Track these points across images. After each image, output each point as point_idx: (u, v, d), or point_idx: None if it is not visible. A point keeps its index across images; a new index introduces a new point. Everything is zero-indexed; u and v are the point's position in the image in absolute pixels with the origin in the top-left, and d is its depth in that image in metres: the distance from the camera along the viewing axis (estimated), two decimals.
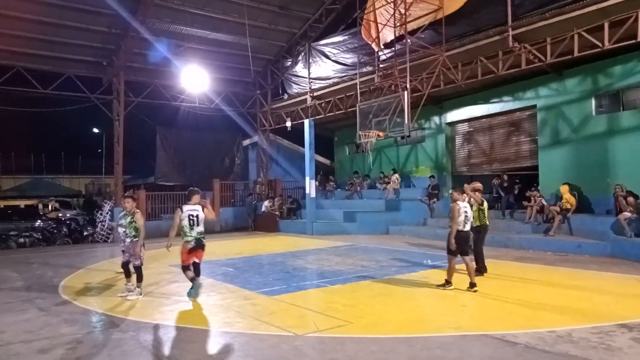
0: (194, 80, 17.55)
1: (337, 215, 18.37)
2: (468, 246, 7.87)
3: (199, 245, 7.54)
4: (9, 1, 14.69)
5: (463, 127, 17.64)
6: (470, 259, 7.94)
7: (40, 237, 17.92)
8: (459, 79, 14.27)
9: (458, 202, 7.68)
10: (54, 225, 19.17)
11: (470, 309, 6.73)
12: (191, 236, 7.46)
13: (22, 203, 25.95)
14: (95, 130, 37.54)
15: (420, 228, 16.40)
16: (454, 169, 17.87)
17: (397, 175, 18.88)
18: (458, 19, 14.10)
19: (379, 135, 14.57)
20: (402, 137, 14.47)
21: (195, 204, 7.59)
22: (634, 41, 10.86)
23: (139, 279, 7.82)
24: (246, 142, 24.33)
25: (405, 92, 13.62)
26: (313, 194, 18.29)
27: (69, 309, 7.19)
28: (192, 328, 6.09)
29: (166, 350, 5.21)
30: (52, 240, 17.94)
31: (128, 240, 7.80)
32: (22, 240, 17.36)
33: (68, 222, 20.59)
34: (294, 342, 5.32)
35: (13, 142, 35.62)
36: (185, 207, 7.55)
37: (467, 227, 7.77)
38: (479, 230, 9.17)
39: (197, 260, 7.66)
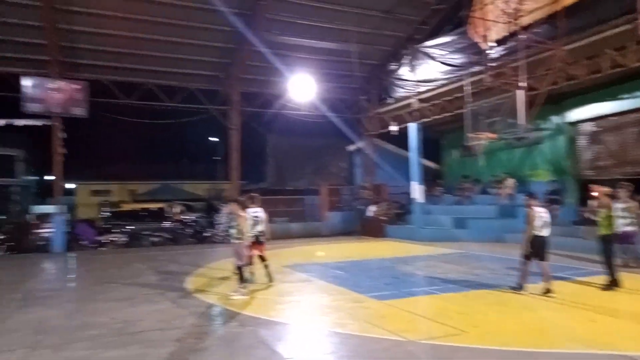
0: (302, 88, 18.21)
1: (446, 221, 17.77)
2: (545, 251, 7.88)
3: (258, 241, 8.96)
4: (138, 24, 16.49)
5: (587, 127, 16.09)
6: (547, 264, 7.85)
7: (169, 237, 19.77)
8: (581, 74, 13.10)
9: (534, 208, 7.92)
10: (180, 227, 21.01)
11: (600, 325, 6.12)
12: (251, 234, 8.70)
13: (153, 206, 28.78)
14: (214, 138, 40.52)
15: None
16: (578, 172, 16.38)
17: (512, 179, 17.77)
18: (578, 10, 12.96)
19: (490, 138, 13.89)
20: (517, 139, 13.62)
21: (257, 207, 9.15)
22: None
23: (241, 278, 8.07)
24: (352, 147, 24.61)
25: (520, 91, 12.84)
26: (420, 199, 17.93)
27: (194, 302, 7.85)
28: (306, 327, 6.32)
29: (282, 345, 5.46)
30: (178, 240, 19.68)
31: (233, 241, 8.26)
32: (153, 239, 19.30)
33: (191, 223, 22.44)
34: (406, 346, 5.27)
35: (146, 151, 39.95)
36: (249, 210, 8.92)
37: (545, 233, 7.85)
38: (609, 240, 8.33)
39: (260, 253, 9.18)
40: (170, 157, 42.29)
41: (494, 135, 13.82)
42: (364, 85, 22.26)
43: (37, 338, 5.86)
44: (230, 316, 6.84)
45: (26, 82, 16.40)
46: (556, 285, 7.78)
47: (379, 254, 14.20)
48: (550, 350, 5.07)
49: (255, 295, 8.02)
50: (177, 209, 27.48)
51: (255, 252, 9.12)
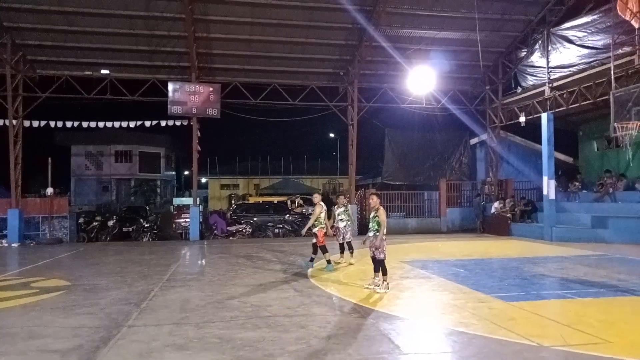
0: (421, 81, 17.77)
1: (583, 220, 16.18)
2: None
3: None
4: (264, 27, 17.48)
5: None
6: None
7: (290, 228, 20.73)
8: None
9: None
10: (300, 219, 21.92)
11: None
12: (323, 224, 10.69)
13: (275, 199, 30.44)
14: (331, 135, 41.55)
15: None
16: None
17: None
18: None
19: None
20: None
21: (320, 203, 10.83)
22: None
23: (384, 272, 8.03)
24: (474, 140, 23.50)
25: None
26: (552, 196, 16.53)
27: (317, 292, 8.14)
28: (427, 324, 6.22)
29: (405, 340, 5.43)
30: (299, 232, 20.53)
31: (371, 234, 8.17)
32: (276, 230, 20.41)
33: (310, 216, 23.27)
34: (538, 352, 4.92)
35: (269, 147, 42.40)
36: (323, 204, 10.82)
37: None
38: None
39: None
40: (291, 153, 44.38)
41: None
42: (488, 74, 21.10)
43: (181, 315, 6.55)
44: (351, 308, 6.98)
45: (170, 87, 18.36)
46: None
47: (503, 253, 13.43)
48: None
49: (374, 290, 8.04)
50: (296, 202, 28.68)
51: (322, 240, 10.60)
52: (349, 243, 11.35)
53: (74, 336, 5.57)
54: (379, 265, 8.06)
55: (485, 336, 5.47)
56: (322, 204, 10.82)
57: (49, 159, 20.08)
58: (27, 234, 18.19)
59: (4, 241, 17.53)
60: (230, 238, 19.67)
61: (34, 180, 22.47)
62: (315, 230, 10.67)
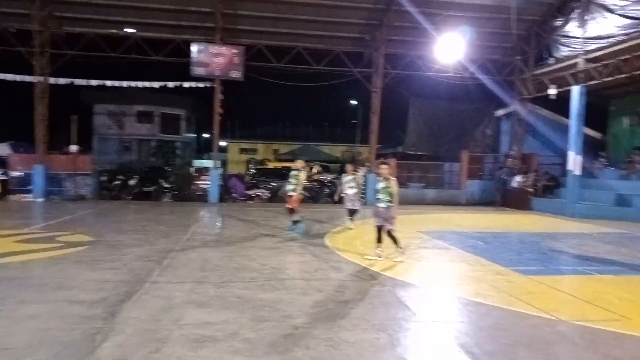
0: (449, 49, 17.22)
1: (607, 198, 15.87)
2: None
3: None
4: None
5: None
6: None
7: (308, 195, 20.78)
8: None
9: None
10: (318, 186, 21.96)
11: None
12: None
13: (294, 165, 30.45)
14: (353, 102, 41.02)
15: None
16: None
17: None
18: None
19: None
20: None
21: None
22: None
23: (395, 241, 7.93)
24: (499, 112, 22.94)
25: None
26: (577, 172, 16.18)
27: (334, 257, 8.21)
28: (445, 293, 6.23)
29: (421, 308, 5.46)
30: (316, 199, 20.62)
31: (382, 205, 7.89)
32: None
33: (328, 184, 23.30)
34: (556, 326, 4.90)
35: (289, 113, 42.23)
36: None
37: None
38: None
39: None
40: (311, 119, 44.16)
41: None
42: (520, 44, 20.34)
43: (201, 274, 6.69)
44: (368, 275, 7.01)
45: (194, 48, 18.20)
46: None
47: (523, 227, 13.31)
48: None
49: (392, 259, 8.00)
50: (315, 169, 28.65)
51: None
52: (355, 210, 11.56)
53: (99, 289, 5.74)
54: (389, 236, 7.91)
55: (503, 308, 5.47)
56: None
57: (74, 116, 20.31)
58: (51, 190, 18.64)
59: (29, 196, 18.02)
60: (249, 202, 19.86)
61: (58, 138, 22.83)
62: (294, 194, 10.84)
